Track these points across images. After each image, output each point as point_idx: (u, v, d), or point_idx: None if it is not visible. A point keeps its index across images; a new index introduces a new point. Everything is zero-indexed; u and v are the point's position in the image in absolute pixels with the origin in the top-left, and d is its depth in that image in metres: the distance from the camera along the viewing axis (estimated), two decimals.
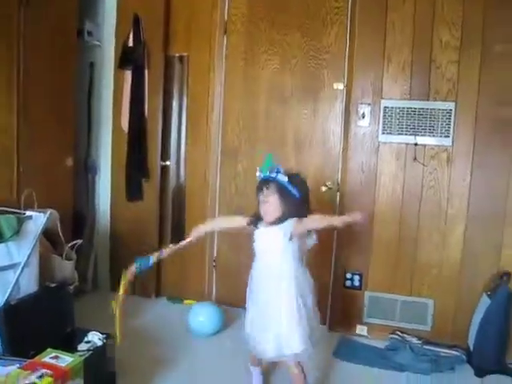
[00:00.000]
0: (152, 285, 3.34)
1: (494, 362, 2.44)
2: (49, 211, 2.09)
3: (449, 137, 2.69)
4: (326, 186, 2.95)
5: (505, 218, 2.62)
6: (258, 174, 2.05)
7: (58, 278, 2.29)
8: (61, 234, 2.39)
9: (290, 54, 2.99)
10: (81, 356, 1.92)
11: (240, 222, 2.17)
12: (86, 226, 3.35)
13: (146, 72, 3.20)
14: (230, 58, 3.12)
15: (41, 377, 1.55)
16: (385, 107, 2.78)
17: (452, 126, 2.67)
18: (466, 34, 2.63)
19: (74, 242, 2.47)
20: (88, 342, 2.13)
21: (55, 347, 1.92)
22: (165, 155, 3.33)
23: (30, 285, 2.07)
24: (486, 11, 2.60)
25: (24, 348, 1.92)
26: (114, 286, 3.26)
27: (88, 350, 2.07)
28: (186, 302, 3.27)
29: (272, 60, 3.02)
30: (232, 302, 3.10)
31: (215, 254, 3.29)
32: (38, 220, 2.06)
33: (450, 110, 2.67)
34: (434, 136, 2.71)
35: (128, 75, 3.22)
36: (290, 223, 1.97)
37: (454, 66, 2.65)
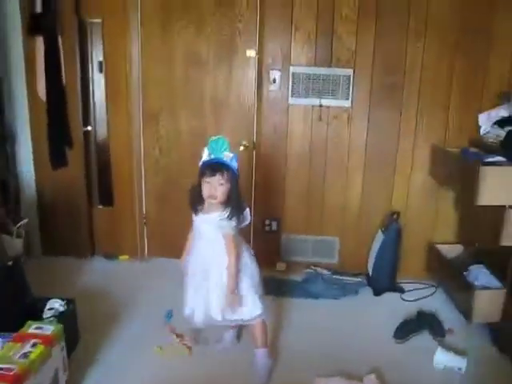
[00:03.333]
0: (86, 244, 3.59)
1: (388, 284, 3.19)
2: None
3: (348, 99, 3.18)
4: (242, 145, 3.34)
5: (395, 167, 3.25)
6: (206, 153, 2.09)
7: (11, 254, 2.49)
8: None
9: (205, 22, 3.19)
10: (50, 322, 2.25)
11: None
12: (9, 193, 3.44)
13: (60, 38, 3.22)
14: (145, 24, 3.24)
15: (34, 345, 1.86)
16: (293, 73, 3.18)
17: (351, 90, 3.16)
18: (362, 8, 3.05)
19: (22, 221, 2.64)
20: (51, 308, 2.42)
21: (23, 320, 2.22)
22: (86, 121, 3.46)
23: None
24: None
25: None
26: (46, 251, 3.46)
27: (53, 316, 2.37)
28: (121, 257, 3.60)
29: (187, 28, 3.21)
30: (164, 254, 3.50)
31: (144, 211, 3.60)
32: None
33: (349, 75, 3.14)
34: (336, 99, 3.19)
35: (40, 42, 3.21)
36: (228, 227, 2.11)
37: (353, 37, 3.09)
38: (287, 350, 2.54)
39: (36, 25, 3.18)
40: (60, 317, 2.37)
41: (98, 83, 3.46)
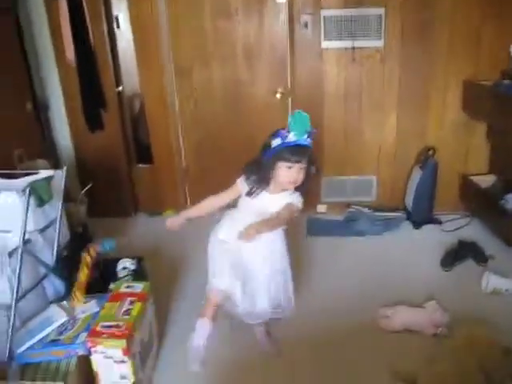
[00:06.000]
0: (129, 204, 3.75)
1: (426, 216, 3.38)
2: (64, 167, 2.35)
3: (380, 39, 3.20)
4: (279, 92, 3.40)
5: (428, 103, 3.33)
6: (286, 135, 1.87)
7: (76, 221, 2.63)
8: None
9: None
10: (126, 280, 2.43)
11: (233, 194, 2.10)
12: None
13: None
14: None
15: (131, 303, 2.05)
16: (324, 16, 3.18)
17: (383, 29, 3.18)
18: None
19: (87, 187, 2.75)
20: (124, 268, 2.59)
21: (104, 281, 2.41)
22: (117, 81, 3.49)
23: (65, 234, 2.41)
24: None
25: None
26: (90, 214, 3.56)
27: (128, 274, 2.55)
28: (165, 213, 3.75)
29: None
30: None
31: (184, 165, 3.71)
32: (57, 177, 2.33)
33: (380, 14, 3.14)
34: (368, 39, 3.21)
35: (63, 5, 3.17)
36: (300, 202, 2.00)
37: None
38: (345, 285, 2.77)
39: None
40: (133, 274, 2.56)
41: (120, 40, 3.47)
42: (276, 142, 1.90)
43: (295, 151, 1.89)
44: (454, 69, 3.24)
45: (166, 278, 2.89)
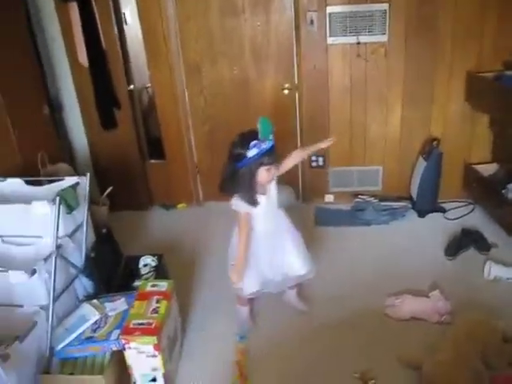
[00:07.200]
0: (144, 198, 3.92)
1: (431, 205, 3.53)
2: (88, 174, 2.51)
3: (385, 34, 3.28)
4: (286, 88, 3.52)
5: (432, 96, 3.43)
6: (260, 144, 2.07)
7: (99, 222, 2.79)
8: None
9: None
10: (147, 279, 2.62)
11: (247, 222, 2.29)
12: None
13: (94, 2, 3.27)
14: None
15: (158, 301, 2.23)
16: (330, 13, 3.27)
17: (387, 24, 3.26)
18: None
19: (108, 190, 2.91)
20: (146, 265, 2.77)
21: (127, 278, 2.60)
22: (128, 80, 3.61)
23: (91, 236, 2.59)
24: None
25: (108, 285, 2.55)
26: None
27: (150, 271, 2.73)
28: (178, 206, 3.92)
29: None
30: (218, 198, 3.80)
31: (196, 160, 3.86)
32: (82, 183, 2.49)
33: (385, 9, 3.22)
34: (373, 34, 3.29)
35: (73, 7, 3.27)
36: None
37: None
38: (353, 273, 2.96)
39: None
40: (155, 271, 2.74)
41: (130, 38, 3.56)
42: (253, 153, 2.09)
43: (271, 155, 2.13)
44: (457, 61, 3.32)
45: (184, 271, 3.08)
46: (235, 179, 2.19)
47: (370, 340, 2.44)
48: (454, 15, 3.22)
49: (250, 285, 2.41)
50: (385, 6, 3.22)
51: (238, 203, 2.23)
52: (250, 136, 2.10)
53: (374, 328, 2.51)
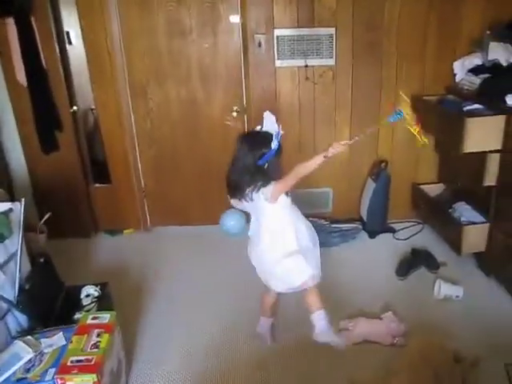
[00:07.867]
0: (88, 224, 3.73)
1: (381, 226, 3.56)
2: (22, 199, 2.34)
3: (332, 57, 3.35)
4: (234, 111, 3.49)
5: (379, 117, 3.48)
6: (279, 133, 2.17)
7: (36, 251, 2.61)
8: None
9: None
10: (89, 311, 2.46)
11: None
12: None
13: (33, 19, 3.14)
14: None
15: (99, 335, 2.08)
16: (277, 36, 3.29)
17: (334, 49, 3.32)
18: None
19: (46, 216, 2.73)
20: (88, 295, 2.61)
21: (67, 310, 2.43)
22: (71, 101, 3.47)
23: (26, 266, 2.40)
24: None
25: (45, 319, 2.37)
26: (48, 235, 3.51)
27: (92, 302, 2.57)
28: (125, 232, 3.77)
29: None
30: (166, 222, 3.70)
31: (142, 184, 3.74)
32: (16, 209, 2.32)
33: (332, 34, 3.28)
34: (320, 58, 3.35)
35: (10, 24, 3.12)
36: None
37: None
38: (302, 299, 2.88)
39: (4, 5, 3.07)
40: (98, 302, 2.58)
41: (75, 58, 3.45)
42: (274, 144, 2.15)
43: (279, 149, 2.20)
44: (402, 85, 3.41)
45: (131, 299, 2.93)
46: (263, 173, 2.18)
47: (323, 365, 2.38)
48: (397, 41, 3.33)
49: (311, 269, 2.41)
50: (331, 30, 3.27)
51: (272, 189, 2.22)
52: (263, 134, 2.20)
53: (327, 353, 2.45)
